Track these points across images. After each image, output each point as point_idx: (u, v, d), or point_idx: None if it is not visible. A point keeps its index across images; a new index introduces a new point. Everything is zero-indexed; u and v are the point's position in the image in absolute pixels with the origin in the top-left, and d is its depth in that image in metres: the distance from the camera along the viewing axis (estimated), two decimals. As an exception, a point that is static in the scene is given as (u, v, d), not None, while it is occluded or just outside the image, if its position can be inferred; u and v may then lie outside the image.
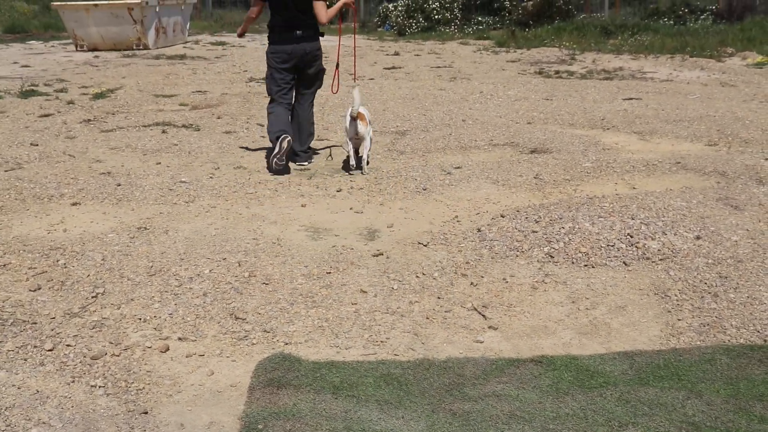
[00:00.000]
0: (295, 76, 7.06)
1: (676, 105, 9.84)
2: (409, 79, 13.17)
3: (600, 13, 26.32)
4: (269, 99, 7.11)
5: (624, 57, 16.73)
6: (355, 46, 8.13)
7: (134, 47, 19.25)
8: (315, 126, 7.48)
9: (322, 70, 7.22)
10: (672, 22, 22.99)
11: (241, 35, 7.91)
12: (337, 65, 7.48)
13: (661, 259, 4.44)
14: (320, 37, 7.06)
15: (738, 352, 3.51)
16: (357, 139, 6.71)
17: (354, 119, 6.61)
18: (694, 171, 6.44)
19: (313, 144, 7.48)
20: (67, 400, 3.09)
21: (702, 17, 23.16)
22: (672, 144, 7.72)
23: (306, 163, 7.14)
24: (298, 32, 6.82)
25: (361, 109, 6.74)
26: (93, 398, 3.14)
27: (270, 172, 6.73)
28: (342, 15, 10.15)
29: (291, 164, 6.96)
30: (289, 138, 6.65)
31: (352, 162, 6.79)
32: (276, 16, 6.94)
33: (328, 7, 7.05)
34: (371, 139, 6.86)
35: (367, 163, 6.83)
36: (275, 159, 6.58)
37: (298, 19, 6.82)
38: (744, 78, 12.91)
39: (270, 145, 6.89)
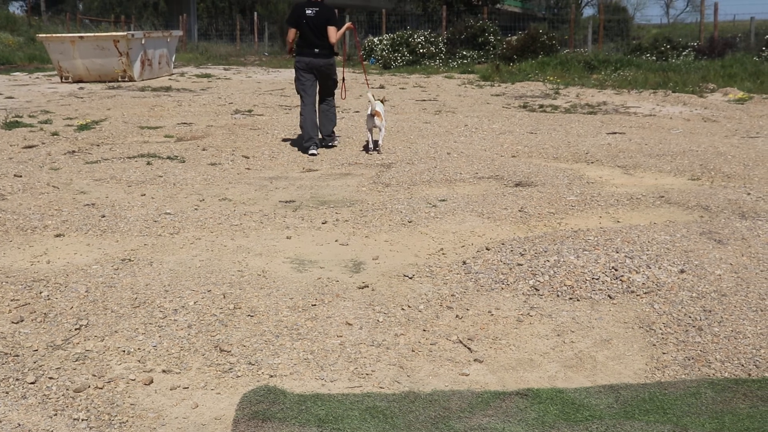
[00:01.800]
0: (316, 80, 9.53)
1: (659, 139, 9.92)
2: (394, 112, 13.23)
3: (583, 48, 26.64)
4: (299, 98, 9.61)
5: (607, 92, 16.89)
6: (362, 59, 10.70)
7: (119, 79, 19.30)
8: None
9: (335, 81, 9.72)
10: (654, 57, 23.28)
11: (290, 52, 9.93)
12: (344, 79, 10.20)
13: (645, 293, 4.46)
14: (335, 56, 9.59)
15: (723, 385, 3.51)
16: (374, 129, 9.34)
17: (372, 115, 9.23)
18: (678, 205, 6.48)
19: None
20: (49, 434, 3.05)
21: (684, 53, 23.46)
22: (655, 178, 7.78)
23: (334, 143, 9.90)
24: (316, 50, 9.37)
25: (378, 107, 9.33)
26: None
27: (312, 154, 9.27)
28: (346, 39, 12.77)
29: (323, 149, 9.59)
30: (315, 151, 9.26)
31: (370, 145, 9.38)
32: (302, 38, 9.46)
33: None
34: (384, 130, 9.46)
35: (379, 148, 9.32)
36: (309, 154, 9.26)
37: (317, 41, 9.34)
38: (726, 113, 13.05)
39: (299, 132, 9.91)
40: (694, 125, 11.55)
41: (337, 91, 9.94)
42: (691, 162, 8.35)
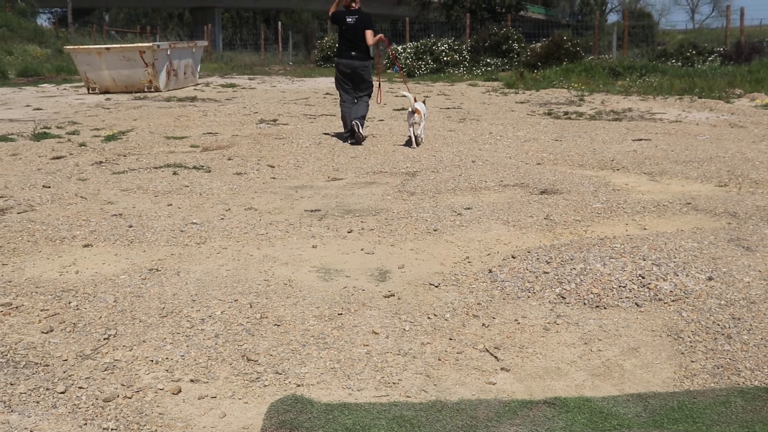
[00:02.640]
0: (352, 83, 10.75)
1: (685, 146, 9.87)
2: (418, 121, 13.23)
3: (608, 54, 26.55)
4: (339, 94, 11.03)
5: (633, 98, 16.82)
6: (395, 60, 12.28)
7: (145, 90, 19.46)
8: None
9: (370, 83, 10.93)
10: (680, 63, 23.16)
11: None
12: (379, 85, 11.46)
13: (673, 300, 4.43)
14: (371, 59, 10.83)
15: (753, 394, 3.48)
16: (414, 124, 10.19)
17: (412, 112, 10.20)
18: (705, 212, 6.44)
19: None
20: (79, 443, 3.08)
21: (710, 59, 23.33)
22: (682, 185, 7.74)
23: (361, 130, 10.58)
24: (353, 53, 10.57)
25: (419, 105, 10.25)
26: (105, 441, 3.13)
27: (352, 143, 10.53)
28: (380, 49, 14.22)
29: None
30: (357, 124, 10.42)
31: (412, 140, 10.27)
32: (342, 41, 10.73)
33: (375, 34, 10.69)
34: (424, 125, 10.46)
35: (420, 141, 10.35)
36: (353, 139, 10.52)
37: (355, 45, 10.54)
38: (753, 119, 12.95)
39: (341, 130, 11.23)
40: (720, 131, 11.47)
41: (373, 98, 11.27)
42: (718, 168, 8.29)
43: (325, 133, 11.58)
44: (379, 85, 11.25)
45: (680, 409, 3.39)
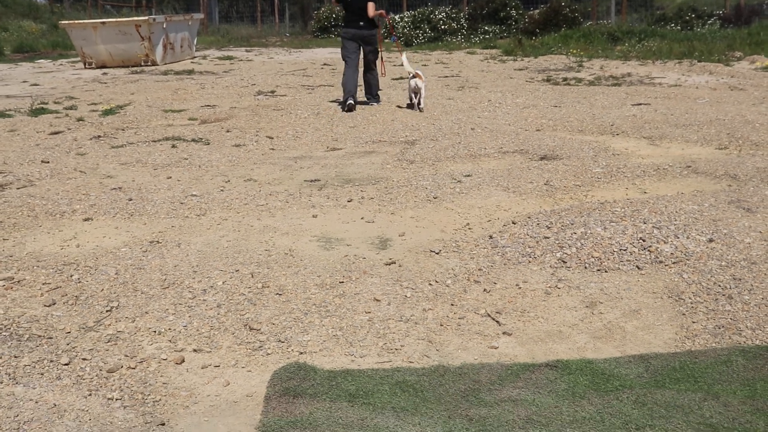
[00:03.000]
0: (358, 49, 11.27)
1: (685, 109, 9.83)
2: (417, 90, 13.19)
3: (607, 19, 26.38)
4: (344, 63, 11.32)
5: (632, 63, 16.74)
6: (392, 30, 14.59)
7: (142, 63, 19.37)
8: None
9: (377, 51, 11.39)
10: (679, 27, 23.03)
11: None
12: (382, 58, 11.70)
13: (674, 263, 4.44)
14: (376, 29, 11.31)
15: (754, 353, 3.50)
16: (415, 90, 10.66)
17: (413, 77, 10.68)
18: (705, 174, 6.43)
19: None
20: (85, 413, 3.10)
21: (709, 22, 23.19)
22: (682, 148, 7.72)
23: (375, 104, 11.44)
24: (361, 23, 11.12)
25: (418, 71, 10.83)
26: (110, 411, 3.14)
27: (343, 111, 10.80)
28: (382, 24, 14.79)
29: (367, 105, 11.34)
30: (352, 102, 10.83)
31: (414, 103, 10.78)
32: (348, 15, 11.33)
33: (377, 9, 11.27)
34: (424, 90, 10.82)
35: (422, 106, 10.74)
36: (345, 109, 10.79)
37: (359, 16, 11.11)
38: (753, 81, 12.90)
39: (339, 97, 11.66)
40: (720, 94, 11.43)
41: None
42: (718, 131, 8.27)
43: (331, 101, 11.77)
44: (381, 57, 11.63)
45: (682, 369, 3.40)
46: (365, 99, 11.61)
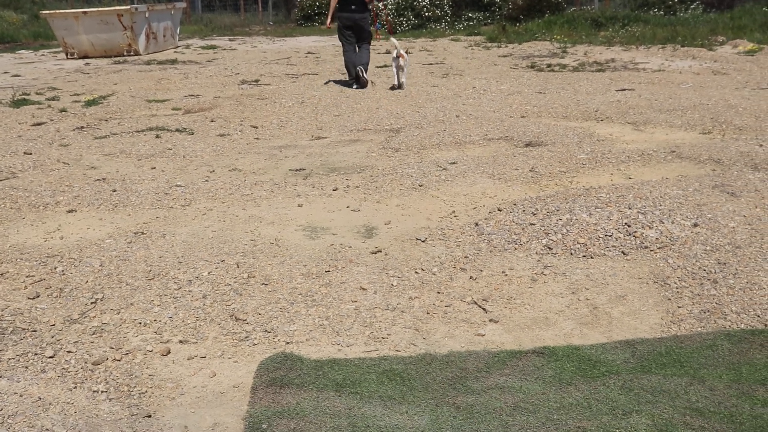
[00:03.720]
0: (353, 33, 11.94)
1: (669, 95, 9.85)
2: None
3: (590, 5, 26.34)
4: (342, 45, 12.13)
5: (615, 48, 16.76)
6: (375, 18, 14.64)
7: (125, 53, 19.23)
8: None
9: (369, 32, 12.18)
10: (662, 12, 23.03)
11: (330, 26, 12.98)
12: (375, 30, 13.56)
13: (659, 248, 4.45)
14: (368, 11, 12.03)
15: (739, 337, 3.51)
16: (399, 68, 11.35)
17: (396, 57, 11.30)
18: (689, 159, 6.45)
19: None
20: (70, 406, 3.08)
21: (692, 7, 23.19)
22: (666, 133, 7.73)
23: (365, 75, 11.88)
24: (353, 7, 11.77)
25: (402, 51, 11.37)
26: (96, 403, 3.13)
27: (357, 87, 11.78)
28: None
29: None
30: (361, 69, 11.73)
31: (396, 83, 11.52)
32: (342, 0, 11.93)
33: None
34: (407, 69, 11.58)
35: (403, 84, 11.50)
36: (357, 86, 11.83)
37: (354, 1, 11.76)
38: (736, 66, 12.94)
39: (344, 78, 12.64)
40: (703, 79, 11.46)
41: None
42: (701, 116, 8.29)
43: (332, 81, 12.69)
44: (374, 30, 12.98)
45: (668, 354, 3.41)
46: (359, 71, 12.22)
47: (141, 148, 7.89)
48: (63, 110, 10.41)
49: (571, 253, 4.53)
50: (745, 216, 4.72)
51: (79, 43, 19.14)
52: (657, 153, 6.64)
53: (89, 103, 11.00)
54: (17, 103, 11.07)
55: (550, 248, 4.60)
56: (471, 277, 4.29)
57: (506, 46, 18.52)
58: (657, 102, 9.28)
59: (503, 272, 4.34)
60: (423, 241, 4.85)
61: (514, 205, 5.31)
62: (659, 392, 3.07)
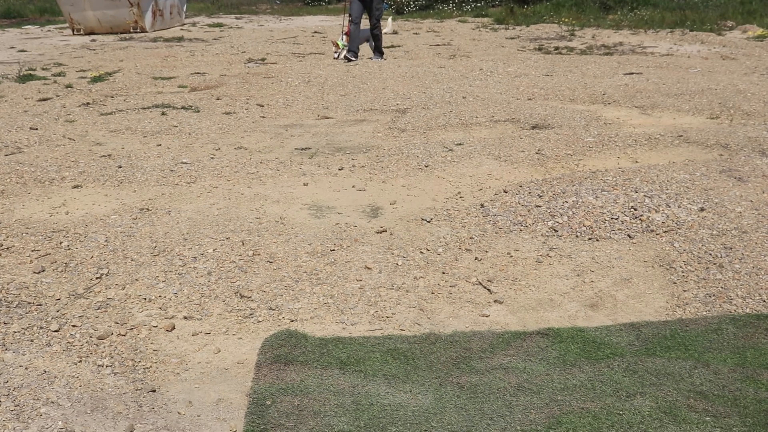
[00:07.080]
0: (363, 8, 12.41)
1: (677, 79, 9.80)
2: (408, 58, 13.13)
3: (599, -12, 26.14)
4: (351, 20, 12.56)
5: (624, 32, 16.67)
6: None
7: (131, 30, 19.18)
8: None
9: (379, 8, 12.61)
10: (671, -4, 22.86)
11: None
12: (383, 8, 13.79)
13: (665, 231, 4.44)
14: None
15: (744, 321, 3.51)
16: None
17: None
18: (697, 144, 6.42)
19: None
20: (75, 380, 3.09)
21: (701, -9, 23.01)
22: (674, 117, 7.70)
23: (382, 58, 12.98)
24: None
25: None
26: (100, 377, 3.14)
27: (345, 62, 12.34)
28: None
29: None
30: (353, 57, 12.49)
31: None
32: None
33: None
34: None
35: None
36: (344, 59, 12.56)
37: None
38: (745, 51, 12.87)
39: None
40: (712, 64, 11.40)
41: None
42: (709, 100, 8.25)
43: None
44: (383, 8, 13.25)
45: (673, 337, 3.41)
46: (374, 54, 13.02)
47: (147, 125, 7.87)
48: (69, 86, 10.39)
49: (577, 236, 4.52)
50: (751, 201, 4.71)
51: (86, 19, 19.09)
52: (664, 137, 6.61)
53: (95, 80, 10.98)
54: (23, 79, 11.05)
55: (555, 230, 4.59)
56: (476, 258, 4.29)
57: (514, 28, 18.44)
58: (665, 86, 9.23)
59: (508, 253, 4.34)
60: (428, 222, 4.84)
61: (520, 186, 5.30)
62: (663, 375, 3.07)
